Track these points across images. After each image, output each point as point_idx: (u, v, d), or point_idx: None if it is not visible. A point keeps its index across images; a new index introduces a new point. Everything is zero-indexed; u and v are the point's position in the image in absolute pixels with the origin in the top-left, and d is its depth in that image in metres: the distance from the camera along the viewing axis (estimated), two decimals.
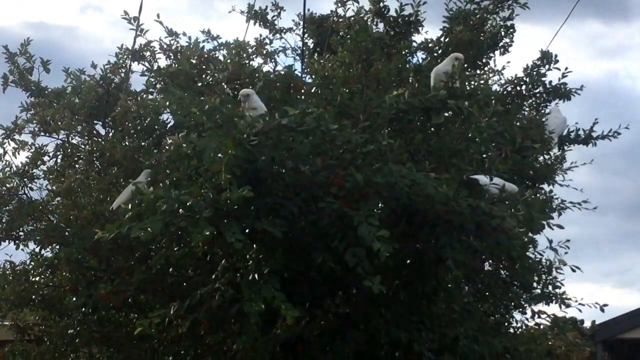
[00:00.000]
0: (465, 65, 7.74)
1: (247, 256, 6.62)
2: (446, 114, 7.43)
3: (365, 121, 6.88)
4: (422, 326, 7.25)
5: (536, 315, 9.40)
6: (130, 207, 6.18)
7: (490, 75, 9.68)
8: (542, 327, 9.96)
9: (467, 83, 7.52)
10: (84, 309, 8.41)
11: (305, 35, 11.10)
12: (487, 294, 8.87)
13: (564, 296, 9.43)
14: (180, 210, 5.87)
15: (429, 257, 6.92)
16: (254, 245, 6.59)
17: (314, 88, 8.05)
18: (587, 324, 16.94)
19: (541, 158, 9.37)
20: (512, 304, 9.33)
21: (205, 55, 8.20)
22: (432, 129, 7.71)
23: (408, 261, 7.16)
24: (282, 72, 8.12)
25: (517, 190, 7.14)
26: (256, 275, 6.29)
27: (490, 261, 8.71)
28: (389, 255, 5.75)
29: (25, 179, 9.66)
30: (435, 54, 8.82)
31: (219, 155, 5.89)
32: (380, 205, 6.40)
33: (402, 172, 6.21)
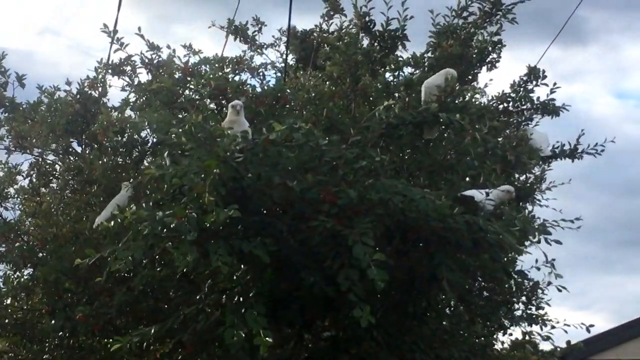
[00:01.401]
0: None
1: (234, 277, 6.38)
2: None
3: (355, 136, 6.67)
4: (415, 347, 7.05)
5: (527, 336, 9.22)
6: (111, 226, 5.96)
7: (475, 92, 9.55)
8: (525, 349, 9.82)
9: (459, 97, 7.37)
10: (60, 333, 8.10)
11: (288, 51, 10.91)
12: (473, 314, 8.71)
13: (545, 317, 9.26)
14: (165, 230, 5.65)
15: (422, 275, 6.73)
16: (242, 266, 6.35)
17: (300, 102, 7.86)
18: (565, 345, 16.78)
19: (523, 177, 9.24)
20: (496, 325, 9.17)
21: (190, 69, 7.97)
22: (423, 143, 7.52)
23: (400, 281, 6.97)
24: (271, 86, 7.91)
25: (513, 190, 7.00)
26: (241, 298, 6.07)
27: (475, 280, 8.58)
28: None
29: None
30: (423, 68, 8.65)
31: (202, 176, 5.66)
32: (373, 222, 6.18)
33: (396, 188, 6.01)
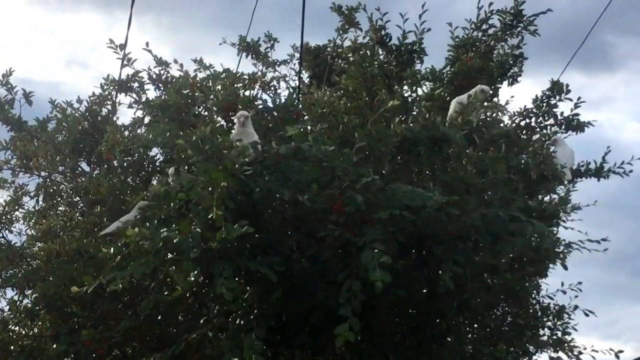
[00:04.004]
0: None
1: (241, 300, 6.07)
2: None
3: (360, 143, 6.35)
4: None
5: None
6: (111, 252, 5.69)
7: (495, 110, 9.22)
8: None
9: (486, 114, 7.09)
10: (66, 359, 7.83)
11: (301, 67, 10.63)
12: (495, 337, 8.40)
13: (572, 343, 8.91)
14: (167, 248, 5.37)
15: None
16: (248, 287, 6.05)
17: (314, 118, 7.57)
18: None
19: (547, 198, 8.89)
20: (520, 351, 8.84)
21: (198, 84, 7.69)
22: (441, 160, 7.21)
23: (417, 302, 6.66)
24: (282, 100, 7.65)
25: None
26: (242, 321, 5.80)
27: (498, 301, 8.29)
28: (402, 290, 5.22)
29: (3, 222, 9.13)
30: (442, 83, 8.34)
31: (209, 189, 5.38)
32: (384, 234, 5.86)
33: (406, 194, 5.67)
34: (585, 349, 8.79)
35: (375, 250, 5.24)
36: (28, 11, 36.20)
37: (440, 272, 6.18)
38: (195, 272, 5.31)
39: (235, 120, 6.38)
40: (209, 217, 5.29)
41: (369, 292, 5.33)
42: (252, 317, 5.77)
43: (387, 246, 5.35)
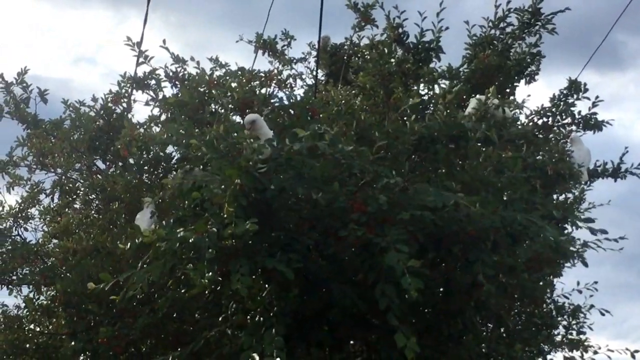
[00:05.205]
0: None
1: (258, 297, 6.05)
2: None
3: (381, 142, 6.31)
4: None
5: None
6: (128, 248, 5.67)
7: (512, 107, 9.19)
8: None
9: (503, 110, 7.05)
10: (82, 357, 7.83)
11: (317, 65, 10.58)
12: (512, 337, 8.38)
13: (586, 343, 8.89)
14: (184, 250, 5.36)
15: (459, 286, 6.38)
16: (266, 285, 6.03)
17: (330, 116, 7.55)
18: None
19: (562, 197, 8.86)
20: (535, 350, 8.81)
21: (215, 82, 7.67)
22: (459, 160, 7.19)
23: (434, 300, 6.63)
24: (299, 98, 7.64)
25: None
26: (261, 319, 5.76)
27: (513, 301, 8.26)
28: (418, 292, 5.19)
29: (19, 219, 9.14)
30: (459, 81, 8.31)
31: (222, 187, 5.36)
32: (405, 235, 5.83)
33: (428, 194, 5.65)
34: (600, 348, 8.78)
35: (400, 252, 5.20)
36: (35, 8, 36.27)
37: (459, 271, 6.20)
38: (212, 272, 5.27)
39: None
40: (223, 214, 5.29)
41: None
42: (271, 314, 5.75)
43: (409, 247, 5.34)
